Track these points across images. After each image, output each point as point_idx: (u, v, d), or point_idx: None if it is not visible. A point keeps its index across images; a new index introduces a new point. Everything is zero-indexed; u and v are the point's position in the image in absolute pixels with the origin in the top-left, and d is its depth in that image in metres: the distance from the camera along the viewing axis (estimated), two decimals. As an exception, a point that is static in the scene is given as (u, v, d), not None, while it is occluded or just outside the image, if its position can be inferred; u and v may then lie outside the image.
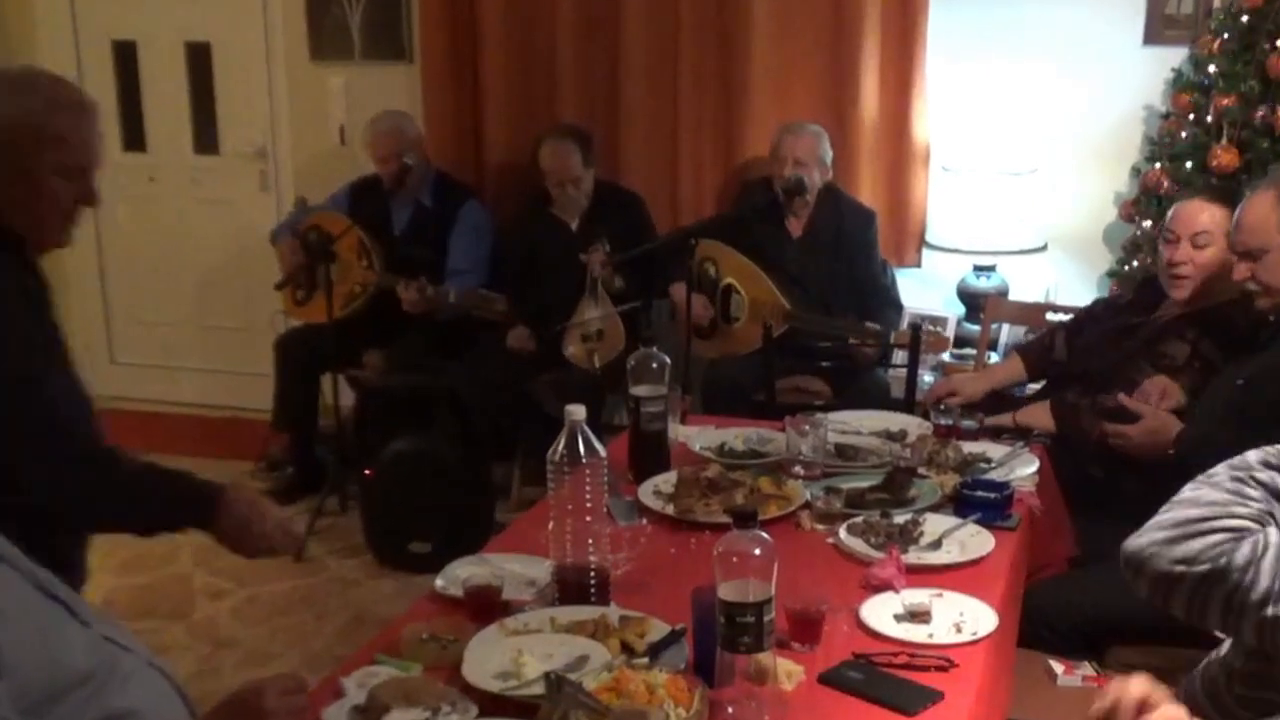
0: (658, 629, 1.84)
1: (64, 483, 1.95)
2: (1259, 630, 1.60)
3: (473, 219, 4.53)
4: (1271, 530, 1.61)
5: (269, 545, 1.98)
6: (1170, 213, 3.04)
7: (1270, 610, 1.57)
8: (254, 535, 1.97)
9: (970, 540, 2.23)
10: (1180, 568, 1.61)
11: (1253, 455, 1.69)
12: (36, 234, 2.00)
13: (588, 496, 1.94)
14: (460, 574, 2.07)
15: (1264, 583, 1.58)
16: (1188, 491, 1.70)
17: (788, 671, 1.74)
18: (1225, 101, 3.69)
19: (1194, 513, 1.64)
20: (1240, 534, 1.61)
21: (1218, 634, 1.83)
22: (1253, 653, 1.73)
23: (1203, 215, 2.92)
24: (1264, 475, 1.66)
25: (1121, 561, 1.70)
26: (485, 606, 1.94)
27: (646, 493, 2.43)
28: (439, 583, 2.07)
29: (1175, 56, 4.01)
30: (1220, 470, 1.70)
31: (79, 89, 2.02)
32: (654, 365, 2.52)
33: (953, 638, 1.88)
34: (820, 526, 2.31)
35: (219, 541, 1.99)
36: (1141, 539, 1.68)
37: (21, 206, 1.96)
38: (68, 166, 1.97)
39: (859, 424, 2.84)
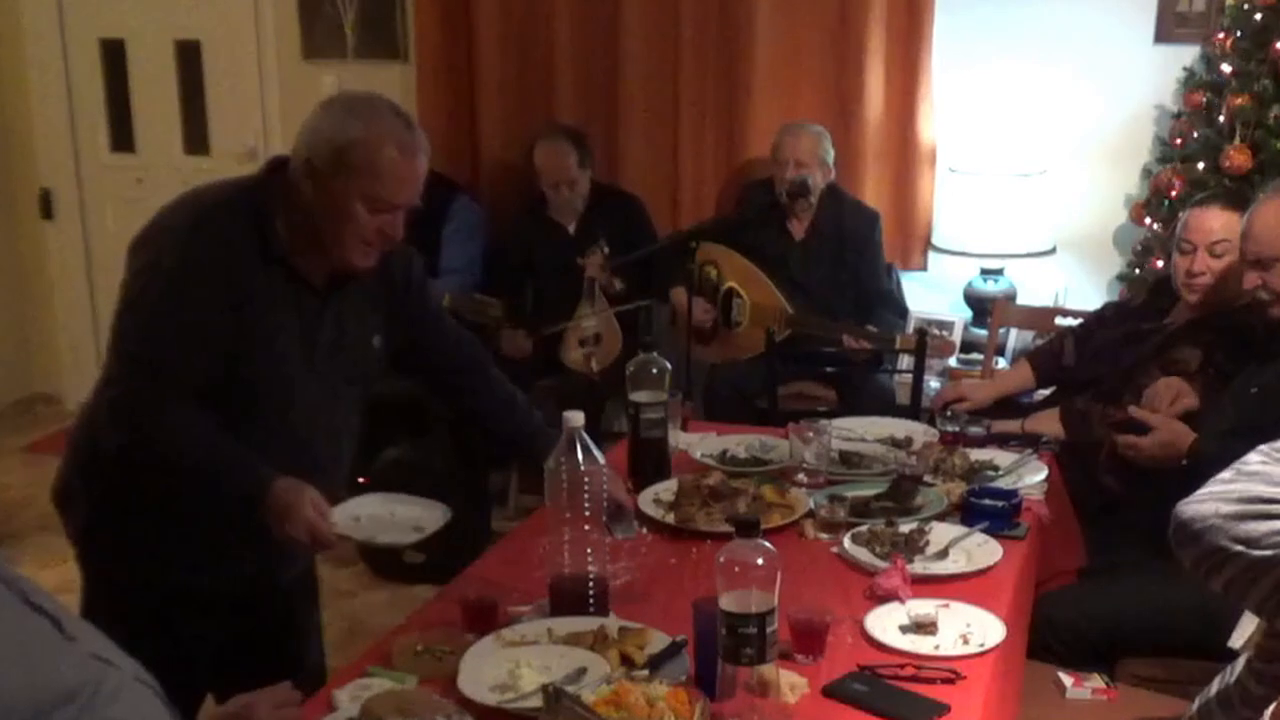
0: (658, 640, 1.82)
1: (119, 390, 2.04)
2: None
3: (464, 215, 4.47)
4: None
5: (297, 543, 2.03)
6: (1182, 221, 3.01)
7: None
8: (286, 531, 2.01)
9: (977, 550, 2.21)
10: (1239, 547, 1.56)
11: None
12: (335, 250, 2.09)
13: (586, 505, 1.93)
14: (355, 511, 2.07)
15: None
16: (1256, 464, 1.63)
17: (791, 684, 1.72)
18: (1238, 101, 3.66)
19: (1263, 490, 1.58)
20: None
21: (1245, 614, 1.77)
22: (1265, 675, 1.68)
23: (1217, 223, 2.89)
24: None
25: (1173, 524, 1.63)
26: (482, 617, 1.92)
27: (646, 501, 2.41)
28: (336, 524, 2.04)
29: (1187, 55, 3.98)
30: None
31: (414, 131, 2.07)
32: (654, 371, 2.50)
33: (959, 649, 1.87)
34: (824, 535, 2.29)
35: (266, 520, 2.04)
36: (1203, 506, 1.60)
37: (325, 220, 2.05)
38: (375, 199, 2.04)
39: (864, 431, 2.82)
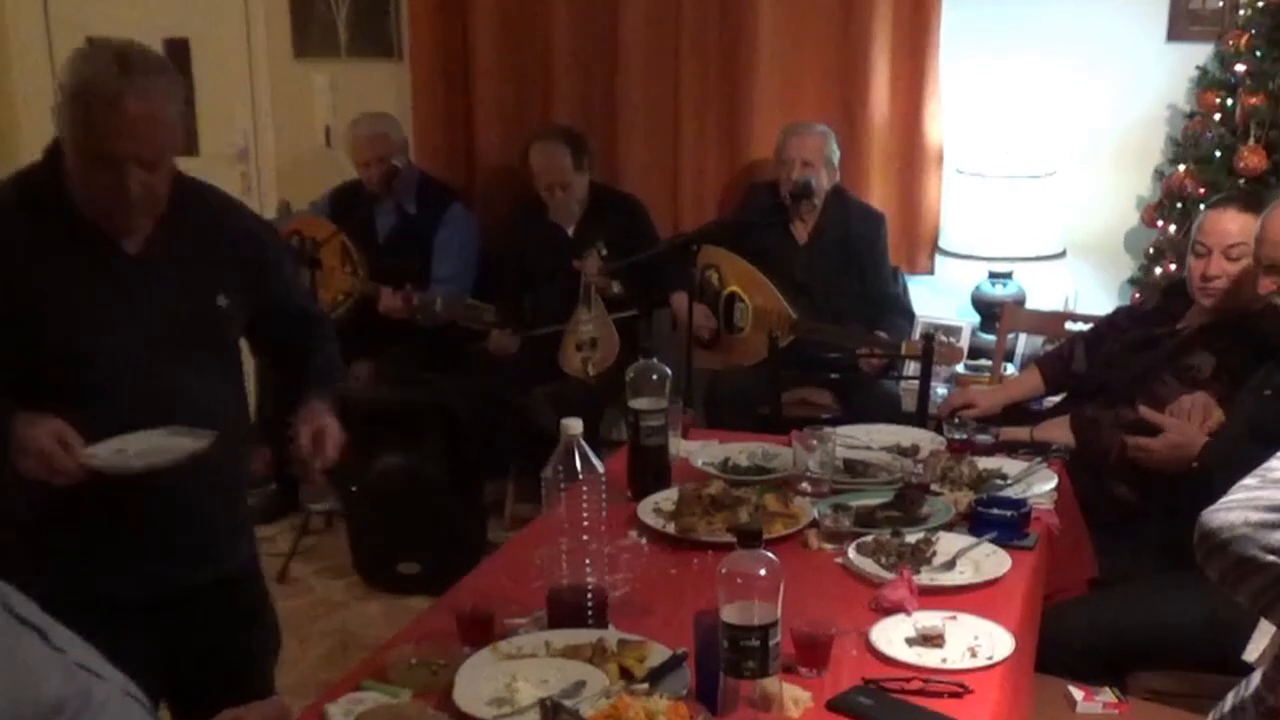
0: (658, 653, 1.80)
1: None
2: None
3: (457, 223, 4.45)
4: None
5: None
6: (1198, 224, 3.01)
7: None
8: (24, 466, 1.94)
9: (985, 560, 2.19)
10: (1271, 558, 1.51)
11: None
12: (90, 210, 2.02)
13: (585, 514, 1.91)
14: (127, 445, 1.98)
15: None
16: None
17: (794, 698, 1.70)
18: (1253, 100, 3.64)
19: None
20: None
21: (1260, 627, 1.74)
22: None
23: (1233, 225, 2.89)
24: None
25: (1198, 533, 1.59)
26: (478, 629, 1.90)
27: (646, 510, 2.39)
28: (96, 456, 1.95)
29: (1200, 53, 3.95)
30: None
31: (129, 77, 1.94)
32: (654, 377, 2.48)
33: (967, 662, 1.85)
34: (828, 546, 2.26)
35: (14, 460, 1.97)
36: (1230, 515, 1.55)
37: (74, 177, 2.01)
38: (84, 149, 1.98)
39: (869, 438, 2.80)
